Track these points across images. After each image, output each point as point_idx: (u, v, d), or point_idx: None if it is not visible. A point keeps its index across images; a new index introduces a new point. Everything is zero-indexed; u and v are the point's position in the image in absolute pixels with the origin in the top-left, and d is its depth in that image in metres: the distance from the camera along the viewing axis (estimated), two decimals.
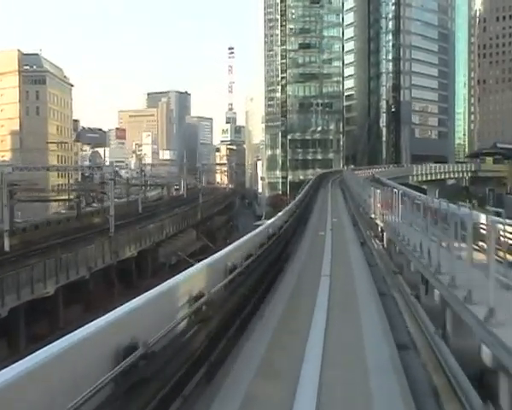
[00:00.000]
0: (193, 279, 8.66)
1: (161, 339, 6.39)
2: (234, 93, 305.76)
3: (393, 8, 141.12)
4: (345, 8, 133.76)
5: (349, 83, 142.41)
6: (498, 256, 7.60)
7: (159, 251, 56.12)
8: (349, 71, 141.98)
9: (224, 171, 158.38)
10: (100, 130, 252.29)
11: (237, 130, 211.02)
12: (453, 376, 7.11)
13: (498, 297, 6.24)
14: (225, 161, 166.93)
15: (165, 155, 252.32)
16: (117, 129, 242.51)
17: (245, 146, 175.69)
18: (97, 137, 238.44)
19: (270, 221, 19.67)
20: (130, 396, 5.32)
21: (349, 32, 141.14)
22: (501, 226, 7.86)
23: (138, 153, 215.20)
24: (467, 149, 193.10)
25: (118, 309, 6.09)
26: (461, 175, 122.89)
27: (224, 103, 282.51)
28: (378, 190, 19.48)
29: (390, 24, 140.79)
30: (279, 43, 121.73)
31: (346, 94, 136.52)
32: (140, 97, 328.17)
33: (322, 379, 7.66)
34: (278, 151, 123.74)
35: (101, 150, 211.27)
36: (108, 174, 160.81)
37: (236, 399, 7.20)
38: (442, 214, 9.87)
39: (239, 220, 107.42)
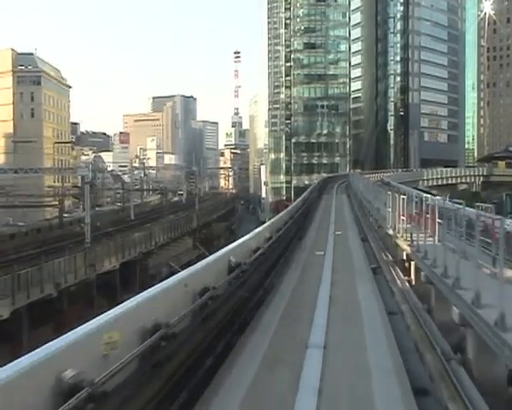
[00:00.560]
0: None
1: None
2: (240, 97, 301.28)
3: (402, 8, 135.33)
4: (351, 8, 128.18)
5: (356, 85, 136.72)
6: None
7: (148, 262, 50.90)
8: (356, 72, 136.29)
9: (228, 175, 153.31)
10: (104, 134, 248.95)
11: (242, 133, 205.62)
12: None
13: None
14: (229, 166, 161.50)
15: (170, 159, 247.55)
16: (121, 133, 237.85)
17: (249, 150, 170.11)
18: (101, 142, 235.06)
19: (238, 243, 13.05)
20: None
21: (356, 33, 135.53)
22: None
23: (142, 157, 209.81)
24: (476, 154, 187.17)
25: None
26: (472, 180, 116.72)
27: (229, 108, 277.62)
28: (402, 197, 13.91)
29: (398, 24, 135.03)
30: (283, 43, 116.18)
31: (352, 96, 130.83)
32: (145, 101, 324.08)
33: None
34: (282, 155, 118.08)
35: (105, 155, 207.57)
36: (111, 178, 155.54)
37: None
38: None
39: (241, 227, 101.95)
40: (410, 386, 6.98)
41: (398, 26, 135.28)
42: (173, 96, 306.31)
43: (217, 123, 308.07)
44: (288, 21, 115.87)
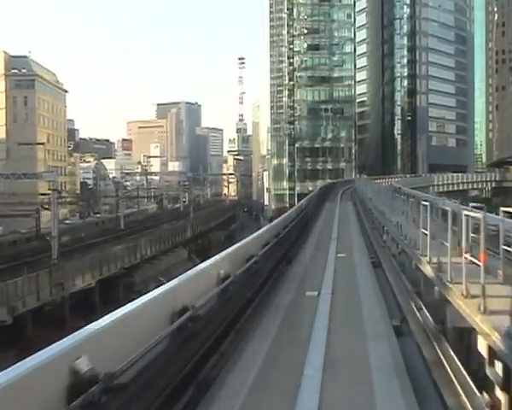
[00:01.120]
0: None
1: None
2: (244, 104, 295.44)
3: (408, 8, 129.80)
4: (356, 9, 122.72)
5: (361, 88, 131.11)
6: None
7: (134, 277, 45.58)
8: (361, 75, 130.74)
9: (231, 182, 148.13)
10: (107, 141, 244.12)
11: (245, 139, 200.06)
12: None
13: None
14: (231, 172, 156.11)
15: (174, 166, 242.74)
16: (123, 140, 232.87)
17: (252, 156, 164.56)
18: (104, 149, 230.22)
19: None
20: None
21: (361, 35, 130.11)
22: None
23: (144, 164, 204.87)
24: (484, 159, 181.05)
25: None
26: (484, 185, 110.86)
27: (234, 114, 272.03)
28: (450, 211, 7.96)
29: (405, 25, 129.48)
30: (286, 44, 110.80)
31: (358, 100, 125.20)
32: (149, 108, 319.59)
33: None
34: (285, 160, 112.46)
35: (108, 162, 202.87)
36: (112, 185, 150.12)
37: None
38: None
39: (243, 235, 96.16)
40: None
41: (405, 28, 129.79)
42: (178, 102, 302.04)
43: (221, 130, 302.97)
44: (290, 22, 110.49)
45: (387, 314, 10.09)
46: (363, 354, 7.90)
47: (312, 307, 10.44)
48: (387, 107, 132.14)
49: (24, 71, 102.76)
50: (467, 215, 7.19)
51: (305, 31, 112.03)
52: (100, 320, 5.26)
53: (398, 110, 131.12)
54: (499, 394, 5.30)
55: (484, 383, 5.81)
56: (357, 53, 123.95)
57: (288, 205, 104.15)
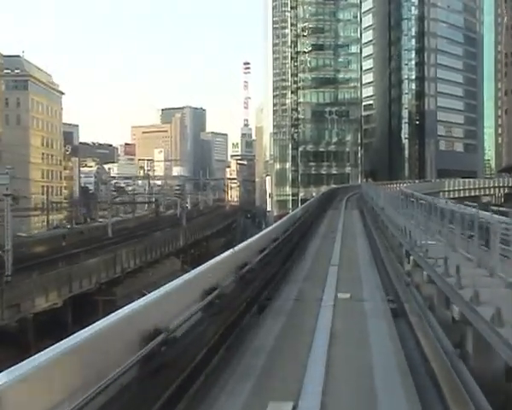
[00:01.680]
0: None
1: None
2: (249, 109, 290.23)
3: (417, 10, 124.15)
4: (363, 10, 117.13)
5: (367, 91, 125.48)
6: None
7: (116, 292, 40.21)
8: (368, 78, 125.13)
9: (229, 187, 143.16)
10: (110, 145, 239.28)
11: (248, 144, 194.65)
12: None
13: None
14: (234, 177, 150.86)
15: (179, 171, 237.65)
16: (126, 144, 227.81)
17: (256, 161, 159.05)
18: (107, 153, 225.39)
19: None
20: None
21: (367, 36, 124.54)
22: None
23: (147, 169, 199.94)
24: (494, 164, 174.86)
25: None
26: (496, 191, 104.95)
27: (239, 119, 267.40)
28: None
29: (413, 26, 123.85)
30: (289, 43, 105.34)
31: (364, 103, 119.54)
32: (154, 113, 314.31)
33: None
34: (288, 165, 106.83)
35: (111, 166, 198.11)
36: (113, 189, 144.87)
37: None
38: None
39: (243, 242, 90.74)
40: None
41: (413, 29, 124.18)
42: (182, 107, 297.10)
43: (226, 134, 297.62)
44: (294, 21, 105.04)
45: None
46: None
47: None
48: (394, 110, 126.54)
49: (17, 71, 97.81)
50: None
51: (310, 30, 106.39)
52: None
53: (405, 113, 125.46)
54: None
55: None
56: (364, 55, 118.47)
57: (290, 211, 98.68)
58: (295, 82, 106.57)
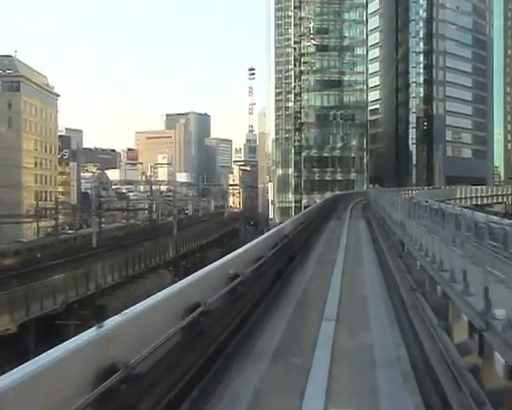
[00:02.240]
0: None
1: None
2: (254, 115, 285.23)
3: (425, 12, 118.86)
4: (369, 12, 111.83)
5: (374, 94, 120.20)
6: None
7: (88, 311, 35.02)
8: (374, 81, 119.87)
9: (235, 194, 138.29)
10: (113, 151, 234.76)
11: (251, 149, 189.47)
12: None
13: None
14: (236, 183, 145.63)
15: (183, 177, 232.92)
16: (128, 149, 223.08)
17: (259, 166, 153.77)
18: (110, 159, 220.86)
19: None
20: None
21: (374, 38, 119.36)
22: None
23: (149, 175, 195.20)
24: (503, 171, 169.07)
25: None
26: (509, 199, 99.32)
27: (244, 125, 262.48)
28: None
29: (421, 28, 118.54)
30: (292, 44, 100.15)
31: (370, 108, 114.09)
32: (158, 119, 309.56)
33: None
34: (291, 171, 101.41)
35: (113, 172, 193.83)
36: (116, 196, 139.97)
37: None
38: None
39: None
40: None
41: (421, 30, 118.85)
42: (187, 113, 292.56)
43: (230, 140, 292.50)
44: (297, 21, 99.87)
45: None
46: None
47: None
48: (401, 114, 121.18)
49: (9, 72, 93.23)
50: None
51: (314, 31, 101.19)
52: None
53: (412, 118, 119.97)
54: None
55: None
56: (370, 57, 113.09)
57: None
58: (299, 84, 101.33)
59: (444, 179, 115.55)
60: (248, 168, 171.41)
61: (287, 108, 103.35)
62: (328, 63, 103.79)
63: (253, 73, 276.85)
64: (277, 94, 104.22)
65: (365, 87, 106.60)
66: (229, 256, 9.92)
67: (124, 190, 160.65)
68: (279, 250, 13.46)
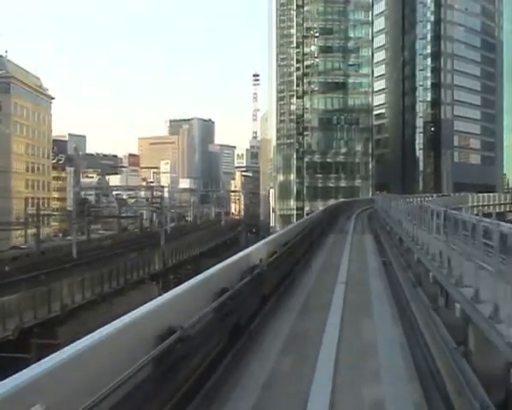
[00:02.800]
0: None
1: None
2: (258, 121, 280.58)
3: (433, 15, 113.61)
4: (374, 13, 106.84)
5: (379, 98, 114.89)
6: None
7: (57, 333, 30.08)
8: (379, 85, 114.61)
9: (236, 200, 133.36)
10: (115, 156, 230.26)
11: (254, 155, 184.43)
12: None
13: None
14: (237, 189, 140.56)
15: (185, 183, 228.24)
16: (130, 155, 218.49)
17: (261, 172, 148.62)
18: (111, 164, 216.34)
19: None
20: None
21: (379, 40, 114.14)
22: None
23: (150, 181, 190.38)
24: (511, 178, 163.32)
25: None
26: None
27: (248, 132, 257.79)
28: None
29: (428, 29, 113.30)
30: (294, 45, 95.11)
31: (375, 112, 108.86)
32: (162, 125, 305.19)
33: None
34: (292, 177, 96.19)
35: (114, 177, 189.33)
36: (116, 202, 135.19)
37: None
38: None
39: None
40: None
41: (428, 33, 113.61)
42: (191, 119, 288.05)
43: (234, 147, 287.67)
44: (300, 21, 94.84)
45: None
46: None
47: None
48: (408, 119, 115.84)
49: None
50: None
51: (317, 31, 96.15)
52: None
53: (419, 123, 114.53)
54: None
55: None
56: (375, 60, 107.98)
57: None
58: (300, 86, 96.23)
59: (451, 186, 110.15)
60: (250, 174, 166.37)
61: (289, 111, 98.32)
62: (332, 65, 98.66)
63: (258, 79, 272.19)
64: (280, 98, 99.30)
65: (370, 90, 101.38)
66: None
67: (124, 197, 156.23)
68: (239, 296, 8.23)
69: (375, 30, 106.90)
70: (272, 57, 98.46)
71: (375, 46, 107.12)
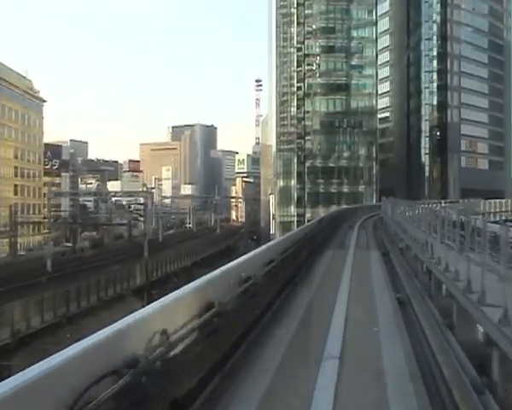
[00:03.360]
0: None
1: None
2: (261, 127, 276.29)
3: (439, 15, 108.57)
4: (378, 13, 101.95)
5: (384, 101, 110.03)
6: None
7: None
8: (384, 87, 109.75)
9: (237, 206, 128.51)
10: (116, 162, 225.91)
11: (255, 160, 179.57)
12: None
13: None
14: (236, 195, 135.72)
15: (187, 189, 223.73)
16: (130, 161, 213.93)
17: (262, 178, 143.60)
18: (112, 170, 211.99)
19: None
20: None
21: (384, 41, 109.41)
22: None
23: (151, 187, 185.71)
24: None
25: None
26: None
27: (251, 137, 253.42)
28: None
29: (434, 31, 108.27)
30: (295, 45, 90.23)
31: (380, 115, 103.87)
32: (164, 131, 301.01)
33: None
34: (293, 182, 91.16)
35: (114, 183, 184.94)
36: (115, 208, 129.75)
37: None
38: None
39: None
40: None
41: (434, 33, 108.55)
42: (193, 125, 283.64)
43: (237, 152, 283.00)
44: (301, 19, 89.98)
45: None
46: None
47: None
48: (413, 123, 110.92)
49: None
50: None
51: (319, 30, 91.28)
52: None
53: (425, 126, 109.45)
54: None
55: None
56: (379, 62, 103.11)
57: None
58: (301, 88, 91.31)
59: (458, 192, 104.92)
60: (251, 180, 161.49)
61: (290, 114, 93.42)
62: (335, 65, 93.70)
63: (260, 85, 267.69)
64: (281, 101, 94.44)
65: (374, 92, 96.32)
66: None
67: (124, 203, 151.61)
68: None
69: (379, 30, 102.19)
70: (272, 58, 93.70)
71: (379, 47, 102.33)
